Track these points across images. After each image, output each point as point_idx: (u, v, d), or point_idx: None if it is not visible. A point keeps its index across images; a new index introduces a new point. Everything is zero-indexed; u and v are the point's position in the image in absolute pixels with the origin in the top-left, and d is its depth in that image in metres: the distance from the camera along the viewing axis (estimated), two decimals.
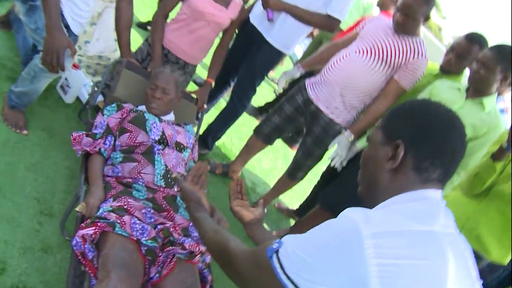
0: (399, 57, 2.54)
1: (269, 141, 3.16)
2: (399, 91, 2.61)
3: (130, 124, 2.11)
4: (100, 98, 2.52)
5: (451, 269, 0.94)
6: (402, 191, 1.06)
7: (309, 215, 2.96)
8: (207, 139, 3.28)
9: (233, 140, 3.87)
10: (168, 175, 2.01)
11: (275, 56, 3.09)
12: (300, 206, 3.52)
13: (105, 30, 2.88)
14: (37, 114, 2.41)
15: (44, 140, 2.34)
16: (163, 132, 2.13)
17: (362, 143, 2.66)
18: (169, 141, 2.14)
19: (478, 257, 1.59)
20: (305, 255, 0.97)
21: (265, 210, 1.73)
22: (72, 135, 2.06)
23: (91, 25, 2.78)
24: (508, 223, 2.11)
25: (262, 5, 2.88)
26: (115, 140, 2.10)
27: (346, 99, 2.70)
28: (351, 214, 0.97)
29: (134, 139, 2.07)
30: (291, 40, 3.02)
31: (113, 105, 2.21)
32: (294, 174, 3.07)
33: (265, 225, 1.72)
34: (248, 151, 3.26)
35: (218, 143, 3.44)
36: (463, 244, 1.07)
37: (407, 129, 1.08)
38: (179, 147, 2.19)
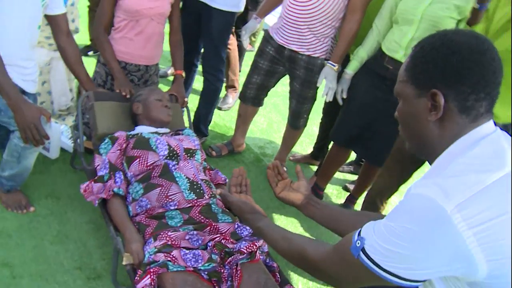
0: None
1: (258, 103, 3.10)
2: (365, 2, 2.52)
3: (135, 150, 2.02)
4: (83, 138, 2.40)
5: None
6: (456, 138, 1.01)
7: (329, 156, 2.93)
8: (200, 127, 3.20)
9: (222, 116, 3.77)
10: (195, 187, 1.94)
11: (228, 18, 2.95)
12: (314, 149, 3.49)
13: (60, 83, 2.70)
14: (32, 184, 2.29)
15: (54, 207, 2.24)
16: (169, 145, 2.05)
17: (351, 69, 2.58)
18: (178, 152, 2.06)
19: None
20: (398, 249, 0.94)
21: (301, 176, 1.69)
22: (81, 188, 1.98)
23: (42, 84, 2.59)
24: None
25: None
26: (124, 174, 2.00)
27: (315, 31, 2.61)
28: (426, 192, 0.93)
29: (145, 162, 1.98)
30: None
31: (105, 141, 2.10)
32: (295, 123, 3.02)
33: None
34: (243, 120, 3.19)
35: (210, 125, 3.35)
36: None
37: (438, 73, 1.00)
38: (190, 153, 2.11)
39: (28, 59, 2.03)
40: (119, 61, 2.49)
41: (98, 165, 2.06)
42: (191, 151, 2.12)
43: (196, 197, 1.91)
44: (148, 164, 1.98)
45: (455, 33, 1.03)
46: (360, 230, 1.05)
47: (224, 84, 3.73)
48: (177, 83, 2.66)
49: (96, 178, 1.98)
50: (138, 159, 1.99)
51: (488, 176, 0.92)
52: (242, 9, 3.01)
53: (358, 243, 1.03)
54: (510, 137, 1.05)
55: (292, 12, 2.60)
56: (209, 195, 1.96)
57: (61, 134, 2.59)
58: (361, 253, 1.01)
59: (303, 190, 1.63)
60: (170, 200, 1.88)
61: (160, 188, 1.91)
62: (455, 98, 1.00)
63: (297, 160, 3.50)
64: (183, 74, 2.70)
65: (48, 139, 1.91)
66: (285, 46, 2.71)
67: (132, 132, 2.17)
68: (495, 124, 1.06)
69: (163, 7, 2.48)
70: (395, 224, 0.95)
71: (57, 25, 2.16)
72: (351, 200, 2.99)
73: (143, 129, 2.23)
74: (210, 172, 2.28)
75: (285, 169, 3.17)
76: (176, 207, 1.88)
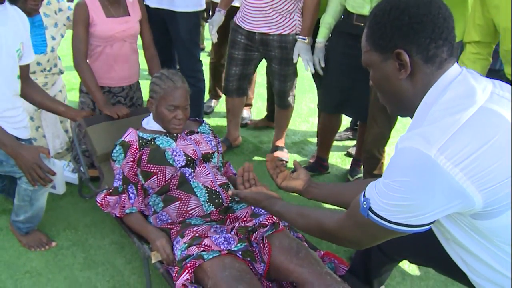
0: None
1: (242, 92, 3.14)
2: None
3: (151, 165, 1.95)
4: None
5: None
6: (428, 88, 1.08)
7: (322, 126, 2.97)
8: None
9: (212, 117, 3.82)
10: (214, 197, 1.93)
11: (193, 19, 2.98)
12: (267, 111, 3.66)
13: (52, 126, 2.73)
14: (47, 222, 2.31)
15: (74, 237, 2.27)
16: (186, 155, 2.00)
17: (321, 36, 2.63)
18: (195, 159, 2.03)
19: None
20: (399, 201, 1.02)
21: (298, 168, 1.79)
22: (98, 202, 2.00)
23: (36, 129, 2.62)
24: None
25: None
26: (136, 186, 2.00)
27: (279, 9, 2.67)
28: (410, 144, 1.00)
29: (164, 178, 1.95)
30: None
31: (116, 148, 2.04)
32: (283, 103, 3.08)
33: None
34: (233, 113, 3.23)
35: None
36: (503, 87, 1.10)
37: (396, 34, 1.08)
38: (207, 158, 2.08)
39: (14, 108, 2.04)
40: (103, 86, 2.52)
41: (114, 172, 2.04)
42: (208, 155, 2.08)
43: (215, 208, 1.93)
44: (167, 179, 1.96)
45: None
46: (365, 192, 1.12)
47: None
48: None
49: (111, 190, 1.99)
50: (155, 176, 1.95)
51: (461, 115, 0.99)
52: (204, 6, 3.04)
53: (365, 204, 1.11)
54: (476, 73, 1.12)
55: None
56: (227, 202, 1.97)
57: (63, 169, 2.64)
58: (369, 212, 1.10)
59: (302, 177, 1.73)
60: (190, 216, 1.91)
61: (179, 202, 1.91)
62: (417, 51, 1.07)
63: (255, 124, 3.69)
64: None
65: (54, 174, 1.92)
66: (255, 31, 2.76)
67: (144, 135, 2.05)
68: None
69: (134, 28, 2.52)
70: (390, 180, 1.03)
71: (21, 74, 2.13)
72: (356, 164, 3.04)
73: (154, 126, 2.12)
74: (226, 164, 2.31)
75: (286, 150, 3.24)
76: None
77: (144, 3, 2.84)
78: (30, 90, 2.20)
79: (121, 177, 1.99)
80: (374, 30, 1.13)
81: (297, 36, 2.71)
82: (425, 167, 0.97)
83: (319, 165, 3.03)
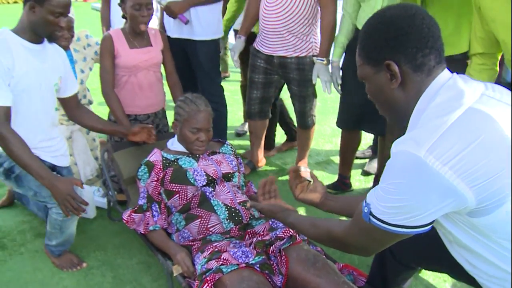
0: None
1: (265, 115, 3.21)
2: None
3: (173, 184, 2.05)
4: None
5: (502, 123, 1.03)
6: (420, 95, 1.14)
7: (342, 143, 3.00)
8: None
9: (233, 137, 3.92)
10: (234, 214, 2.00)
11: (213, 46, 3.10)
12: (286, 134, 3.73)
13: (83, 154, 2.89)
14: (78, 244, 2.42)
15: (103, 257, 2.37)
16: (207, 174, 2.08)
17: (336, 56, 2.71)
18: (216, 178, 2.11)
19: None
20: (396, 203, 1.07)
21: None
22: (124, 219, 2.09)
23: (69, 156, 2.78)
24: None
25: (171, 17, 2.90)
26: (159, 205, 2.09)
27: (295, 32, 2.76)
28: (402, 147, 1.05)
29: (185, 197, 2.04)
30: (213, 23, 3.03)
31: (142, 167, 2.15)
32: (304, 123, 3.13)
33: None
34: (256, 136, 3.30)
35: None
36: (495, 89, 1.15)
37: (384, 47, 1.15)
38: (227, 177, 2.16)
39: (50, 139, 2.20)
40: (129, 114, 2.65)
41: (140, 190, 2.15)
42: (229, 175, 2.16)
43: (234, 225, 1.99)
44: (188, 198, 2.04)
45: (386, 9, 1.18)
46: (366, 198, 1.18)
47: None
48: None
49: (136, 208, 2.09)
50: (177, 195, 2.04)
51: (449, 116, 1.04)
52: (222, 34, 3.17)
53: (366, 209, 1.16)
54: (468, 78, 1.17)
55: (269, 21, 2.76)
56: (247, 219, 2.04)
57: (93, 194, 2.77)
58: (370, 217, 1.15)
59: (319, 190, 1.78)
60: (210, 233, 1.98)
61: (199, 220, 1.99)
62: (406, 61, 1.14)
63: (280, 149, 3.73)
64: None
65: (87, 204, 2.01)
66: (273, 55, 2.86)
67: (168, 156, 2.16)
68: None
69: (157, 57, 2.66)
70: (386, 183, 1.08)
71: (68, 104, 2.35)
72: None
73: (178, 147, 2.22)
74: (248, 183, 2.37)
75: (308, 170, 3.28)
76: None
77: (166, 34, 3.00)
78: (82, 116, 2.40)
79: (145, 195, 2.09)
80: (364, 44, 1.21)
81: (315, 58, 2.78)
82: (415, 167, 1.01)
83: (341, 183, 3.05)
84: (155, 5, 3.17)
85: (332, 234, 1.36)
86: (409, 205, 1.05)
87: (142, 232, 2.06)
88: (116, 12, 3.03)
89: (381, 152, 2.95)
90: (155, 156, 2.17)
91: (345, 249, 1.38)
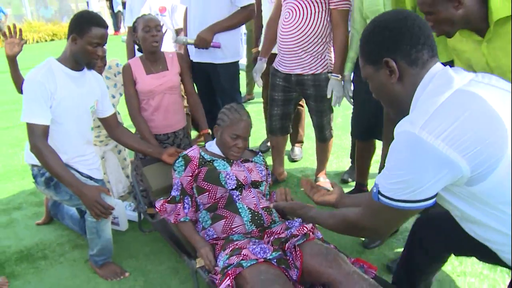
0: None
1: (286, 131, 3.35)
2: (344, 15, 2.81)
3: (206, 183, 2.20)
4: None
5: (489, 100, 1.18)
6: (417, 85, 1.31)
7: (357, 153, 3.12)
8: None
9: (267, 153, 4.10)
10: (256, 218, 2.14)
11: (233, 69, 3.28)
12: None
13: (115, 172, 3.11)
14: (113, 254, 2.58)
15: (135, 264, 2.56)
16: (237, 179, 2.23)
17: (347, 70, 2.87)
18: (245, 184, 2.25)
19: None
20: (398, 178, 1.22)
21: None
22: (157, 208, 2.27)
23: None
24: None
25: (204, 48, 3.04)
26: (191, 198, 2.26)
27: (310, 51, 2.91)
28: (400, 129, 1.22)
29: (214, 196, 2.20)
30: (233, 46, 3.21)
31: (179, 159, 2.31)
32: (322, 136, 3.26)
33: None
34: (277, 151, 3.45)
35: None
36: (485, 76, 1.31)
37: (381, 47, 1.33)
38: (255, 185, 2.29)
39: (84, 155, 2.45)
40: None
41: (174, 182, 2.31)
42: (257, 183, 2.30)
43: (256, 228, 2.14)
44: (216, 198, 2.21)
45: (381, 16, 1.37)
46: (375, 180, 1.33)
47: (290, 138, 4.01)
48: (206, 140, 2.92)
49: (169, 199, 2.27)
50: (208, 193, 2.21)
51: (439, 98, 1.20)
52: (242, 56, 3.37)
53: (375, 189, 1.32)
54: (460, 68, 1.33)
55: (285, 42, 2.93)
56: (268, 223, 2.18)
57: (125, 209, 2.98)
58: (379, 196, 1.30)
59: (336, 191, 1.95)
60: (233, 233, 2.13)
61: (225, 220, 2.14)
62: (402, 57, 1.31)
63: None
64: (210, 132, 2.98)
65: (113, 208, 2.23)
66: (291, 73, 3.02)
67: (205, 156, 2.32)
68: None
69: (172, 81, 2.84)
70: (390, 162, 1.24)
71: (107, 123, 2.62)
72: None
73: (215, 150, 2.38)
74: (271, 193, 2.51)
75: (328, 181, 3.40)
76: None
77: (190, 58, 3.23)
78: (121, 135, 2.65)
79: (179, 188, 2.27)
80: (365, 47, 1.39)
81: (329, 74, 2.94)
82: (412, 143, 1.16)
83: (358, 191, 3.16)
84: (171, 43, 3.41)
85: (347, 219, 1.51)
86: (410, 179, 1.19)
87: (173, 221, 2.24)
88: None
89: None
90: (193, 152, 2.34)
91: (359, 233, 1.55)
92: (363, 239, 2.69)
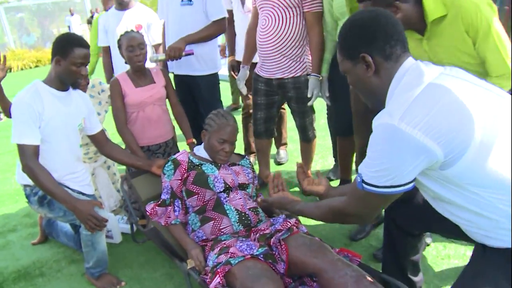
0: None
1: (270, 134, 3.43)
2: (318, 17, 2.91)
3: (194, 186, 2.30)
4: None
5: (457, 92, 1.30)
6: (392, 78, 1.43)
7: (339, 150, 3.23)
8: None
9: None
10: (243, 218, 2.24)
11: (213, 79, 3.37)
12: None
13: (106, 188, 3.18)
14: (109, 265, 2.64)
15: (131, 273, 2.64)
16: (225, 182, 2.32)
17: (323, 71, 2.97)
18: (232, 187, 2.34)
19: None
20: (380, 166, 1.33)
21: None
22: (147, 211, 2.36)
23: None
24: None
25: (177, 59, 3.07)
26: (181, 201, 2.35)
27: (288, 55, 3.00)
28: (379, 121, 1.33)
29: (203, 199, 2.29)
30: (212, 59, 3.32)
31: (168, 163, 2.41)
32: (305, 136, 3.35)
33: None
34: (263, 153, 3.52)
35: None
36: (452, 69, 1.42)
37: (358, 43, 1.45)
38: (242, 187, 2.39)
39: (75, 172, 2.52)
40: (142, 146, 2.95)
41: (163, 185, 2.40)
42: (244, 185, 2.39)
43: (243, 228, 2.24)
44: (205, 200, 2.30)
45: (357, 14, 1.50)
46: (358, 170, 1.43)
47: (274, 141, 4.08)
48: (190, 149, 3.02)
49: (159, 202, 2.36)
50: (196, 196, 2.30)
51: (414, 91, 1.32)
52: (220, 68, 3.45)
53: (359, 179, 1.42)
54: (430, 63, 1.45)
55: (264, 48, 3.04)
56: (255, 222, 2.27)
57: (118, 222, 3.05)
58: (363, 184, 1.40)
59: (324, 183, 2.08)
60: (222, 233, 2.22)
61: (213, 221, 2.23)
62: (377, 52, 1.43)
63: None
64: (195, 141, 3.08)
65: (107, 220, 2.32)
66: (271, 78, 3.12)
67: (194, 160, 2.41)
68: None
69: (160, 92, 2.96)
70: (371, 152, 1.35)
71: (97, 140, 2.71)
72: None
73: (203, 154, 2.47)
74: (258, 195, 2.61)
75: (310, 175, 3.49)
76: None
77: (170, 70, 3.33)
78: (111, 151, 2.74)
79: (169, 191, 2.36)
80: (343, 43, 1.50)
81: (309, 75, 3.02)
82: (391, 134, 1.27)
83: None
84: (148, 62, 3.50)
85: (333, 208, 1.63)
86: (391, 166, 1.30)
87: (163, 224, 2.32)
88: (118, 59, 3.38)
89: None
90: (182, 156, 2.43)
91: (345, 220, 1.63)
92: (350, 231, 2.79)
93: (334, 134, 3.23)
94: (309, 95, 3.04)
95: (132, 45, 2.77)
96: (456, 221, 1.45)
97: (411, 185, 1.35)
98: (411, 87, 1.32)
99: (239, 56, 3.91)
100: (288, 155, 4.24)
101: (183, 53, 3.04)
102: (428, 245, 2.58)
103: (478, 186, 1.30)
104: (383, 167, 1.32)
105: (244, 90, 3.47)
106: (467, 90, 1.32)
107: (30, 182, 2.34)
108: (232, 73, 4.15)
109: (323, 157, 4.13)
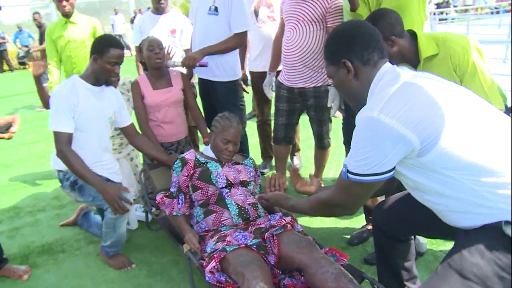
0: (319, 9, 3.01)
1: (289, 140, 3.55)
2: None
3: (199, 181, 2.49)
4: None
5: (429, 89, 1.46)
6: (370, 81, 1.60)
7: None
8: None
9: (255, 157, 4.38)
10: (243, 212, 2.42)
11: (232, 86, 3.44)
12: None
13: (127, 178, 3.41)
14: (122, 248, 2.89)
15: (141, 256, 2.89)
16: (227, 179, 2.49)
17: None
18: (234, 183, 2.51)
19: None
20: (363, 155, 1.48)
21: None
22: (157, 200, 2.57)
23: None
24: None
25: (191, 67, 3.18)
26: (185, 196, 2.55)
27: (310, 66, 3.15)
28: (361, 115, 1.50)
29: (206, 193, 2.50)
30: (231, 66, 3.40)
31: (177, 161, 2.58)
32: (321, 144, 3.50)
33: None
34: (280, 160, 3.65)
35: None
36: (424, 73, 1.61)
37: (340, 50, 1.63)
38: (244, 184, 2.55)
39: (101, 161, 2.74)
40: None
41: (172, 180, 2.59)
42: (245, 182, 2.55)
43: (242, 221, 2.42)
44: (208, 195, 2.50)
45: (340, 25, 1.69)
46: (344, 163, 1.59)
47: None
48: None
49: (168, 194, 2.57)
50: (200, 190, 2.50)
51: (391, 88, 1.48)
52: (240, 75, 3.52)
53: (344, 169, 1.57)
54: (405, 67, 1.62)
55: (288, 58, 3.20)
56: (254, 217, 2.46)
57: (135, 210, 3.30)
58: (348, 174, 1.55)
59: (315, 184, 2.25)
60: (222, 225, 2.42)
61: (215, 214, 2.43)
62: (356, 58, 1.60)
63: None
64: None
65: (131, 203, 2.56)
66: (294, 87, 3.26)
67: (200, 158, 2.59)
68: None
69: (175, 95, 3.15)
70: (354, 143, 1.51)
71: (127, 132, 2.94)
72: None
73: (209, 153, 2.65)
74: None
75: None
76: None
77: (195, 73, 3.55)
78: (139, 143, 2.96)
79: (176, 185, 2.57)
80: (327, 50, 1.69)
81: (329, 87, 3.11)
82: (372, 124, 1.43)
83: None
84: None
85: (321, 200, 1.77)
86: (374, 154, 1.45)
87: (168, 214, 2.55)
88: None
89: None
90: (190, 155, 2.64)
91: (331, 211, 1.77)
92: (348, 236, 2.93)
93: (344, 143, 3.36)
94: (329, 105, 3.13)
95: (152, 45, 3.01)
96: (435, 209, 1.56)
97: (391, 173, 1.48)
98: (388, 86, 1.48)
99: (251, 67, 4.12)
100: (302, 162, 4.39)
101: (197, 64, 3.13)
102: (421, 255, 2.69)
103: (451, 169, 1.41)
104: (366, 155, 1.45)
105: (269, 95, 3.64)
106: (437, 88, 1.47)
107: (63, 167, 2.59)
108: (244, 86, 4.17)
109: (338, 166, 4.27)
